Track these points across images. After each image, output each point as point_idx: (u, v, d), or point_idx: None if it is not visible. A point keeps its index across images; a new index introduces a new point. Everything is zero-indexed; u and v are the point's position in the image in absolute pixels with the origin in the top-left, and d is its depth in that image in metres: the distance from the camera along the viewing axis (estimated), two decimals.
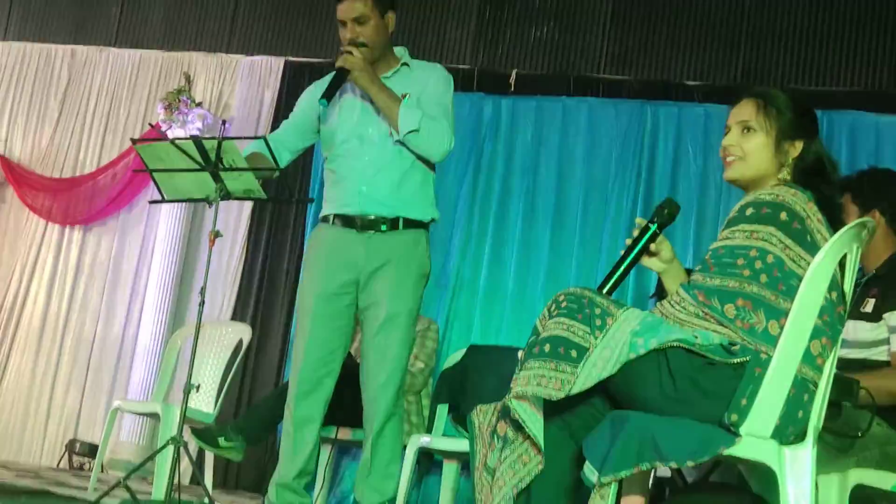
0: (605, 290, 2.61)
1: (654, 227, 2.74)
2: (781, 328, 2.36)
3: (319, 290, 3.85)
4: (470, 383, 5.08)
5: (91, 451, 7.01)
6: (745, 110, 2.71)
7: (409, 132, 3.75)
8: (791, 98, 2.74)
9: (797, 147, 2.66)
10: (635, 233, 2.76)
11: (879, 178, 3.57)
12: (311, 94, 4.04)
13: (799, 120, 2.68)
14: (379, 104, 3.81)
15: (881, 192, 3.48)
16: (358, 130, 3.91)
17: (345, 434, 5.18)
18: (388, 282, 3.78)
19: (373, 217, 3.82)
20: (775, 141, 2.66)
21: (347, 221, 3.86)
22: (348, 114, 3.95)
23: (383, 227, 3.81)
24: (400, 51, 4.03)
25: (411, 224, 3.84)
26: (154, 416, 5.89)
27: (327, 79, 3.87)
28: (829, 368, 2.43)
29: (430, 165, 3.93)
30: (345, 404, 4.32)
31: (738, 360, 2.35)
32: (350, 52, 3.78)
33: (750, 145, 2.68)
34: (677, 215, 2.78)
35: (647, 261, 2.78)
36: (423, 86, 3.90)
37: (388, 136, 3.84)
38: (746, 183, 2.70)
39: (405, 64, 3.98)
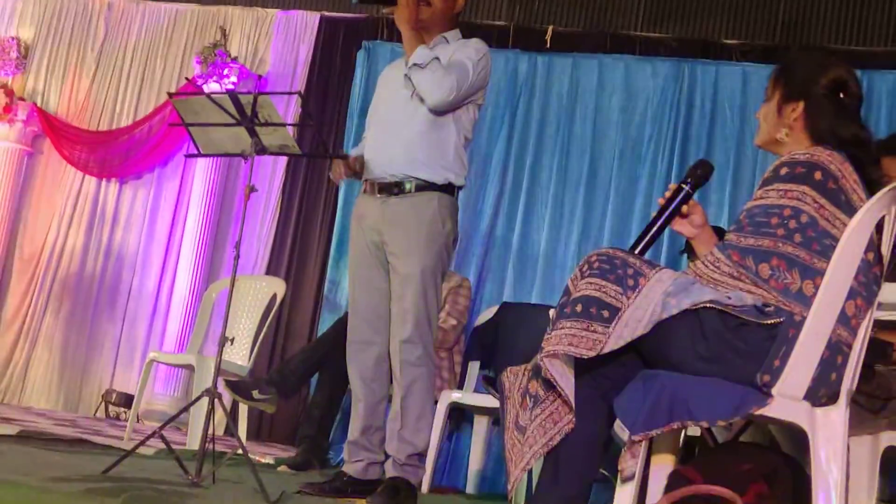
0: (637, 251, 2.60)
1: (686, 188, 2.72)
2: (816, 288, 2.34)
3: (353, 256, 4.01)
4: (501, 341, 5.10)
5: (126, 401, 7.10)
6: (770, 77, 2.71)
7: (414, 65, 3.79)
8: (793, 60, 2.73)
9: (798, 109, 2.63)
10: (668, 193, 2.75)
11: None
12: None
13: (797, 83, 2.64)
14: (405, 43, 3.86)
15: None
16: (386, 98, 4.03)
17: None
18: (399, 243, 3.86)
19: (387, 181, 3.89)
20: (776, 107, 2.66)
21: (370, 187, 3.96)
22: (384, 88, 4.09)
23: (395, 191, 3.87)
24: (453, 33, 4.04)
25: (425, 187, 3.87)
26: (189, 368, 5.97)
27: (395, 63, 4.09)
28: (865, 331, 2.41)
29: (456, 128, 3.93)
30: None
31: (772, 320, 2.34)
32: None
33: (761, 113, 2.72)
34: (710, 177, 2.76)
35: (678, 225, 2.77)
36: (453, 52, 3.92)
37: (409, 99, 3.88)
38: (767, 149, 2.71)
39: (445, 38, 3.99)
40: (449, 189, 3.90)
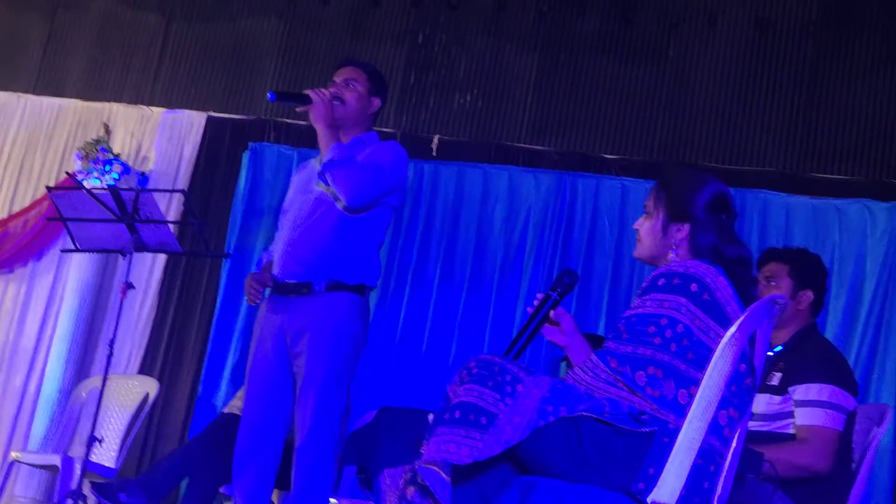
0: (508, 357, 2.62)
1: (554, 296, 2.77)
2: (690, 397, 2.39)
3: (254, 359, 3.88)
4: (379, 446, 5.04)
5: None
6: (651, 193, 2.78)
7: (329, 161, 3.71)
8: (680, 182, 2.79)
9: (683, 231, 2.69)
10: (536, 302, 2.79)
11: (816, 262, 3.73)
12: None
13: (681, 205, 2.71)
14: (320, 140, 3.79)
15: (817, 276, 3.66)
16: (298, 198, 3.96)
17: None
18: (306, 345, 3.75)
19: (296, 281, 3.80)
20: (662, 226, 2.72)
21: (278, 287, 3.86)
22: (296, 187, 4.04)
23: (304, 291, 3.78)
24: (369, 135, 4.02)
25: (335, 287, 3.79)
26: (53, 469, 5.74)
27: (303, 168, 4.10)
28: (736, 440, 2.46)
29: (369, 228, 3.88)
30: None
31: (647, 429, 2.37)
32: (324, 91, 3.81)
33: (643, 229, 2.78)
34: (576, 284, 2.82)
35: (550, 334, 2.80)
36: (369, 153, 3.89)
37: (321, 198, 3.83)
38: (646, 262, 2.78)
39: (361, 139, 3.96)
40: (360, 289, 3.84)
